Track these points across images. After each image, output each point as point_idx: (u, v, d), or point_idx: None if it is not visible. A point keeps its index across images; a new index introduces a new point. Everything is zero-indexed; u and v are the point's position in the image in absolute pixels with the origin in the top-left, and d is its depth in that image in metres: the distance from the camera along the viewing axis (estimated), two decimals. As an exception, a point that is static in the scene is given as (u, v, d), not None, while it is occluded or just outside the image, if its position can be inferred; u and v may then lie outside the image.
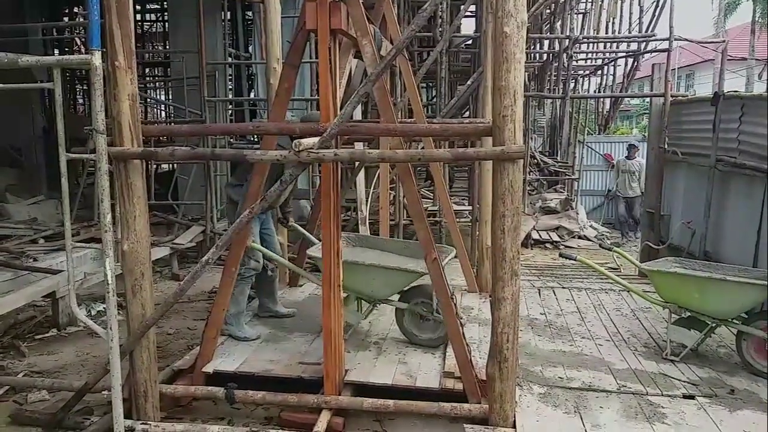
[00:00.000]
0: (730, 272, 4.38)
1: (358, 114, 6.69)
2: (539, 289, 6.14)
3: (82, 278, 5.81)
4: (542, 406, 3.61)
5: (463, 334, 3.70)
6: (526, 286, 6.26)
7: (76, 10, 14.21)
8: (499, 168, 3.12)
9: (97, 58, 2.91)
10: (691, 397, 3.73)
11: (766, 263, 5.17)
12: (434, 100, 11.17)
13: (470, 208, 8.47)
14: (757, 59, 24.43)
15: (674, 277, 4.39)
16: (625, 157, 11.53)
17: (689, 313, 4.38)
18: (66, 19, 14.30)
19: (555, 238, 10.49)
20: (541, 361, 4.27)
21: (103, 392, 3.75)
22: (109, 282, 3.04)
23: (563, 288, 6.26)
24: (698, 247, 6.42)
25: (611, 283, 6.63)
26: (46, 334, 5.51)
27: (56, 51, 13.18)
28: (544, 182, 13.09)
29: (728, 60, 11.99)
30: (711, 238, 6.33)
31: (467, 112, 11.25)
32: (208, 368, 3.94)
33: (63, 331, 5.57)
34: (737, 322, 4.24)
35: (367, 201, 6.84)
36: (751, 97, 6.28)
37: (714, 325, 4.32)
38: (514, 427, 3.29)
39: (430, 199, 10.22)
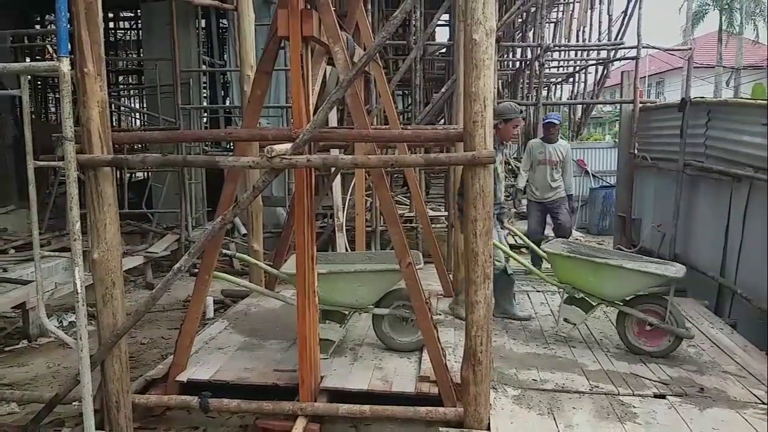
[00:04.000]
0: (623, 259, 4.68)
1: (334, 121, 6.70)
2: (514, 293, 6.18)
3: (53, 288, 5.72)
4: (516, 408, 3.64)
5: (438, 338, 3.72)
6: (502, 290, 6.30)
7: (48, 17, 14.04)
8: (470, 173, 3.16)
9: (65, 65, 2.88)
10: (662, 397, 3.79)
11: (735, 263, 5.31)
12: (410, 107, 11.25)
13: (446, 213, 8.52)
14: (724, 67, 25.08)
15: (572, 260, 4.67)
16: (541, 138, 7.36)
17: (582, 294, 4.65)
18: (38, 27, 14.11)
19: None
20: (515, 364, 4.30)
21: (74, 403, 3.68)
22: (79, 291, 3.01)
23: (537, 291, 6.30)
24: (668, 249, 6.55)
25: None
26: (17, 346, 5.41)
27: (28, 59, 12.98)
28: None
29: (697, 67, 12.29)
30: (680, 241, 6.47)
31: (443, 120, 11.34)
32: (182, 377, 3.90)
33: (34, 342, 5.47)
34: (620, 303, 4.53)
35: (343, 208, 6.85)
36: (716, 103, 6.46)
37: (596, 304, 4.64)
38: (489, 429, 3.32)
39: (406, 205, 10.25)
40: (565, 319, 4.74)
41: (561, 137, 7.53)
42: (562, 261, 4.71)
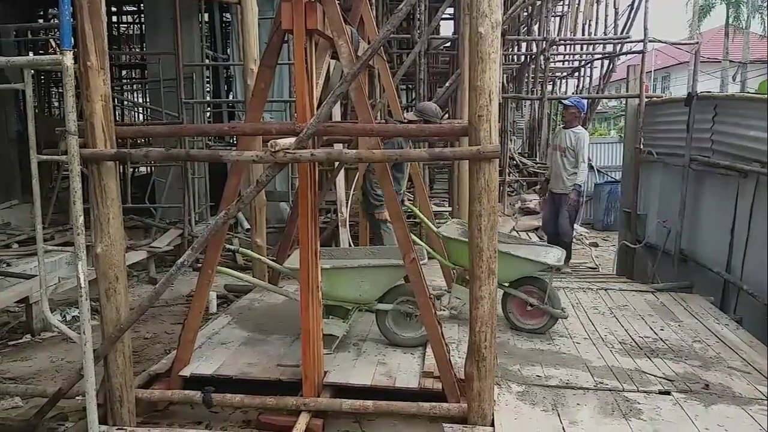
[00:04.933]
0: (512, 245, 5.02)
1: (338, 115, 6.68)
2: (518, 289, 6.17)
3: (57, 283, 5.72)
4: (520, 404, 3.62)
5: (442, 333, 3.70)
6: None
7: (51, 11, 14.02)
8: (475, 167, 3.13)
9: (68, 59, 2.86)
10: (667, 393, 3.77)
11: (741, 259, 5.28)
12: (414, 101, 11.21)
13: (450, 209, 8.50)
14: (731, 61, 24.94)
15: (464, 244, 4.80)
16: (562, 126, 7.47)
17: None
18: (41, 21, 14.09)
19: (534, 238, 10.56)
20: (519, 360, 4.29)
21: (77, 398, 3.68)
22: (82, 285, 2.99)
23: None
24: (674, 245, 6.51)
25: (589, 282, 6.72)
26: (20, 340, 5.40)
27: (31, 53, 12.96)
28: (524, 183, 13.19)
29: (703, 62, 12.20)
30: (686, 237, 6.43)
31: (447, 114, 11.30)
32: (186, 372, 3.90)
33: (37, 336, 5.47)
34: (506, 285, 4.84)
35: (347, 203, 6.83)
36: (723, 97, 6.41)
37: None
38: (493, 425, 3.31)
39: (410, 200, 10.23)
40: (458, 297, 4.96)
41: (580, 126, 7.40)
42: (454, 244, 4.95)
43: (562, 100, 7.38)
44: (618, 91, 24.83)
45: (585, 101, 8.14)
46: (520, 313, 4.88)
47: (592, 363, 4.25)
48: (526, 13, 12.86)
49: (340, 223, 6.61)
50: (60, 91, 16.60)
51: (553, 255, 4.92)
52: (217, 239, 3.75)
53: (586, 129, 7.93)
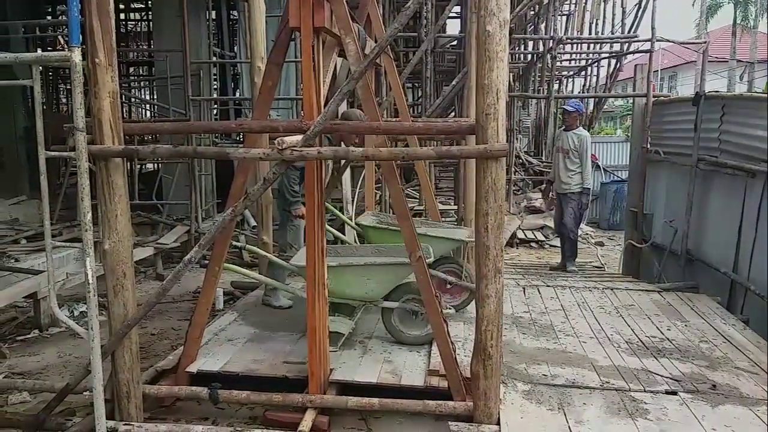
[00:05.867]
0: (429, 228, 5.24)
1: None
2: (524, 288, 6.17)
3: (64, 279, 5.75)
4: (526, 403, 3.62)
5: (448, 332, 3.70)
6: (511, 284, 6.28)
7: (60, 8, 14.08)
8: (482, 166, 3.13)
9: (76, 55, 2.87)
10: (674, 393, 3.76)
11: (749, 259, 5.25)
12: (420, 100, 11.20)
13: (456, 207, 8.49)
14: (738, 60, 24.81)
15: (382, 231, 5.20)
16: (562, 129, 7.80)
17: None
18: (49, 17, 14.15)
19: (540, 237, 10.57)
20: (525, 359, 4.28)
21: (85, 393, 3.70)
22: (90, 281, 3.01)
23: (548, 286, 6.29)
24: (680, 245, 6.49)
25: (596, 281, 6.71)
26: (28, 336, 5.44)
27: (39, 50, 13.01)
28: (529, 182, 13.18)
29: (710, 61, 12.14)
30: (693, 237, 6.41)
31: (453, 113, 11.28)
32: (192, 368, 3.91)
33: (45, 332, 5.50)
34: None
35: (353, 200, 6.84)
36: (731, 97, 6.38)
37: None
38: (499, 424, 3.30)
39: (416, 198, 10.23)
40: None
41: (581, 127, 7.79)
42: (373, 232, 5.23)
43: (563, 105, 7.60)
44: (625, 90, 24.71)
45: (583, 102, 8.40)
46: (440, 292, 4.94)
47: (598, 362, 4.24)
48: (533, 12, 12.83)
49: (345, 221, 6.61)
50: (68, 87, 16.69)
51: (462, 232, 5.30)
52: (224, 236, 3.75)
53: (593, 128, 8.08)
